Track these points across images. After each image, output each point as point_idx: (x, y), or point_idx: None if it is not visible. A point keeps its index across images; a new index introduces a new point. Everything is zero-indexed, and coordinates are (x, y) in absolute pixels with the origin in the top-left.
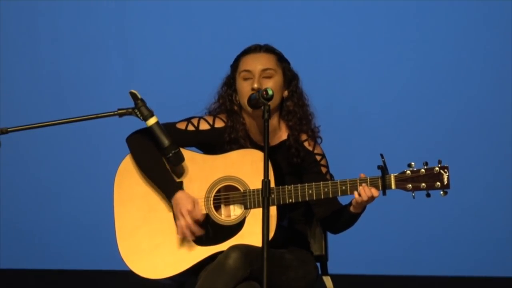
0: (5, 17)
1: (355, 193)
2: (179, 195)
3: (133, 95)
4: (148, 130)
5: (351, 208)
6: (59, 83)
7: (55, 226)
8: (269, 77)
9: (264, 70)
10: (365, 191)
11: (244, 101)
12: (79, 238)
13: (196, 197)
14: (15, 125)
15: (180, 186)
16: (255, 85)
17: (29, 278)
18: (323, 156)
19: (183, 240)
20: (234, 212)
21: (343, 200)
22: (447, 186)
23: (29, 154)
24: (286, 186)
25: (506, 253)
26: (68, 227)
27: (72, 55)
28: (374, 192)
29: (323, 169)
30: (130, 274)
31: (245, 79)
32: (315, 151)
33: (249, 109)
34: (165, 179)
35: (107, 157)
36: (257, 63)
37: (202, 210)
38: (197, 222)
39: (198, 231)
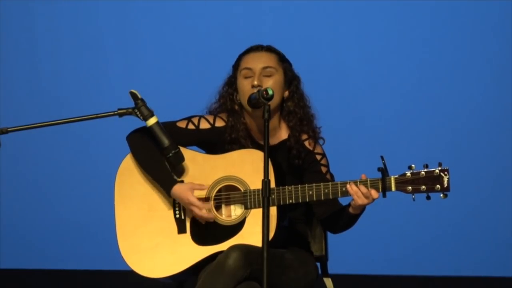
0: (5, 17)
1: (353, 195)
2: (175, 189)
3: (133, 95)
4: (148, 129)
5: (350, 209)
6: (59, 83)
7: (55, 226)
8: (270, 76)
9: (265, 68)
10: (361, 191)
11: (244, 99)
12: (79, 238)
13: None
14: (15, 125)
15: (176, 181)
16: (255, 82)
17: (29, 278)
18: (323, 155)
19: (183, 239)
20: (234, 212)
21: (344, 201)
22: (447, 189)
23: (29, 154)
24: (286, 186)
25: (506, 253)
26: (68, 227)
27: (72, 55)
28: (374, 193)
29: (323, 169)
30: (130, 273)
31: (246, 77)
32: (315, 151)
33: (249, 108)
34: (162, 176)
35: (107, 157)
36: (258, 61)
37: (203, 188)
38: (203, 203)
39: (210, 214)
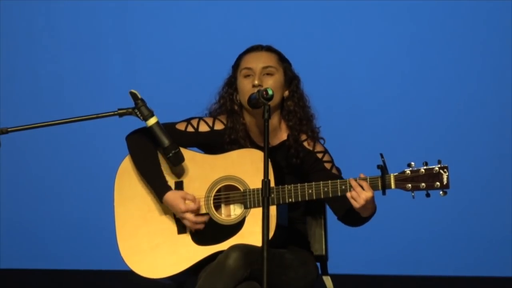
0: (5, 17)
1: (351, 200)
2: (167, 197)
3: (133, 95)
4: (148, 129)
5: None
6: (59, 83)
7: (55, 226)
8: (270, 75)
9: (265, 67)
10: (358, 194)
11: (244, 99)
12: (79, 238)
13: (197, 197)
14: (15, 125)
15: (169, 188)
16: (256, 82)
17: (29, 278)
18: (324, 152)
19: (183, 239)
20: (234, 211)
21: None
22: (447, 186)
23: (29, 154)
24: (286, 185)
25: (506, 253)
26: (68, 227)
27: (72, 55)
28: (365, 186)
29: (327, 165)
30: (130, 274)
31: (246, 76)
32: (316, 150)
33: (249, 108)
34: (156, 181)
35: (107, 157)
36: (258, 61)
37: (195, 200)
38: (195, 212)
39: (202, 221)
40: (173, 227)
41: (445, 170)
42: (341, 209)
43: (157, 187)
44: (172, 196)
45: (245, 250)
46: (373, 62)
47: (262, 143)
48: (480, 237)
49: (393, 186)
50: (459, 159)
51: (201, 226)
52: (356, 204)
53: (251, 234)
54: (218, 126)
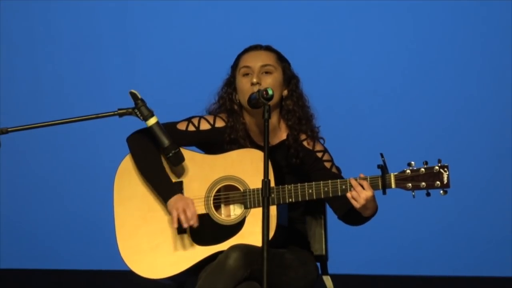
0: (5, 16)
1: (351, 200)
2: (174, 198)
3: (133, 95)
4: (148, 129)
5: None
6: (59, 83)
7: (55, 226)
8: (269, 73)
9: (264, 65)
10: (358, 194)
11: (243, 98)
12: (79, 238)
13: (196, 197)
14: (15, 125)
15: (176, 190)
16: (254, 80)
17: (29, 278)
18: (324, 151)
19: (183, 239)
20: (234, 211)
21: None
22: (447, 185)
23: (29, 154)
24: (286, 185)
25: (506, 253)
26: (68, 227)
27: (72, 55)
28: (366, 186)
29: (327, 164)
30: (130, 274)
31: (245, 75)
32: (315, 149)
33: (248, 107)
34: (162, 182)
35: (107, 157)
36: (257, 60)
37: (198, 209)
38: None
39: (193, 219)
40: (173, 227)
41: (445, 169)
42: (342, 208)
43: (163, 189)
44: (179, 197)
45: (245, 250)
46: (373, 62)
47: (262, 142)
48: (480, 237)
49: (393, 185)
50: (459, 159)
51: (190, 217)
52: (356, 204)
53: (251, 234)
54: (219, 123)
